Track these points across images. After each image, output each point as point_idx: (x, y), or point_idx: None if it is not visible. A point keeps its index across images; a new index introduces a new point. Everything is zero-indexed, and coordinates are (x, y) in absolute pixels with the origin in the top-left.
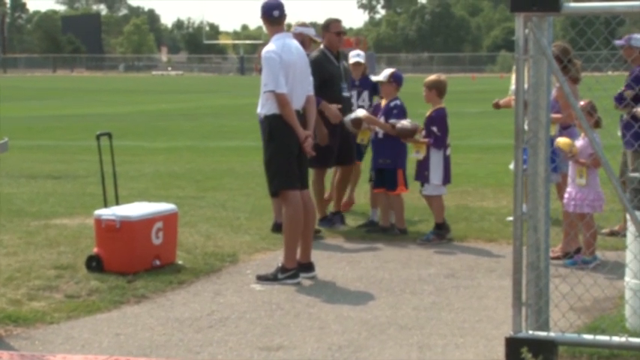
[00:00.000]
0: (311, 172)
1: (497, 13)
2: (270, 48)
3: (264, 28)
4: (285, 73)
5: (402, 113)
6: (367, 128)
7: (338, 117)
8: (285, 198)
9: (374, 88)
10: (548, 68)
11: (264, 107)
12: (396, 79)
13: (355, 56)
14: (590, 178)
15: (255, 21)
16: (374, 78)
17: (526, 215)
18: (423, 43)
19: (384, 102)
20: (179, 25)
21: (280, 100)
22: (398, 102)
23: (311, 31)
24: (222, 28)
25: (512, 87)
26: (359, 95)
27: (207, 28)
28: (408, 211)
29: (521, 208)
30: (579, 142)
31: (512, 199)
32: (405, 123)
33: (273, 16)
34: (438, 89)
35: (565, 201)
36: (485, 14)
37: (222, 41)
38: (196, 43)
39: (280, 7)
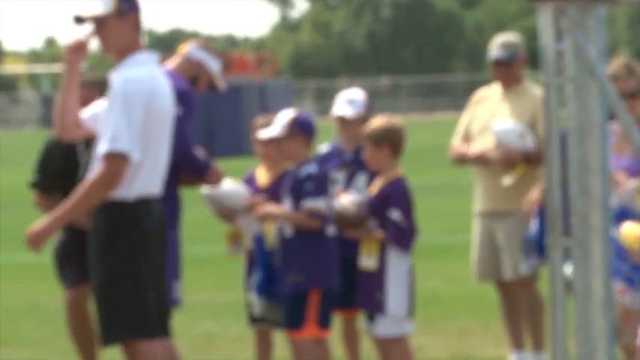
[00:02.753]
0: (65, 295)
1: (512, 2)
2: (135, 75)
3: (103, 40)
4: (150, 129)
5: (320, 189)
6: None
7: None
8: (135, 354)
9: None
10: (602, 98)
11: None
12: (301, 128)
13: (344, 104)
14: None
15: (67, 32)
16: (262, 135)
17: None
18: (380, 60)
19: (263, 171)
20: None
21: (116, 169)
22: (312, 168)
23: (214, 66)
24: (7, 46)
25: (498, 126)
26: (350, 179)
27: None
28: None
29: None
30: None
31: (550, 342)
32: (345, 203)
33: (133, 6)
34: (391, 143)
35: None
36: (491, 5)
37: (10, 68)
38: None
39: None
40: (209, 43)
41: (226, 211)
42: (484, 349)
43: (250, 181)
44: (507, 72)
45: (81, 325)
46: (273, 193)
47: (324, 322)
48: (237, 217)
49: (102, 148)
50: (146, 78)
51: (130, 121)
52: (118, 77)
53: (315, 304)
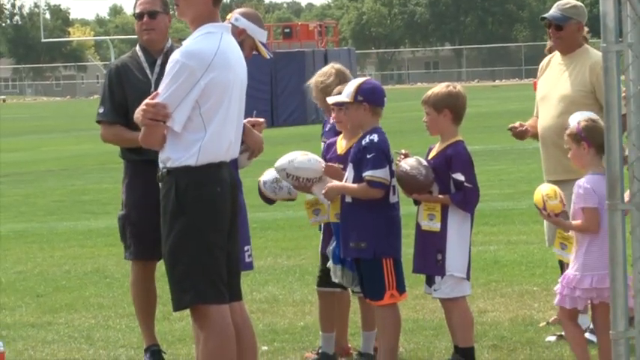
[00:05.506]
0: (131, 267)
1: None
2: (189, 47)
3: (178, 11)
4: (216, 100)
5: (381, 158)
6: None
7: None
8: (204, 318)
9: None
10: None
11: (170, 152)
12: (367, 96)
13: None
14: (589, 248)
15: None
16: (330, 100)
17: (635, 330)
18: (441, 29)
19: (342, 140)
20: None
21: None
22: (375, 136)
23: (260, 34)
24: (75, 15)
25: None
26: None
27: (48, 16)
28: (415, 332)
29: (625, 321)
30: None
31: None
32: (410, 166)
33: None
34: (452, 109)
35: (558, 289)
36: None
37: (77, 37)
38: (28, 42)
39: None
40: (257, 15)
41: (302, 183)
42: (545, 312)
43: (330, 147)
44: (559, 34)
45: (145, 295)
46: (353, 158)
47: (400, 287)
48: (313, 186)
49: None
50: (206, 50)
51: (171, 90)
52: (178, 49)
53: (390, 272)
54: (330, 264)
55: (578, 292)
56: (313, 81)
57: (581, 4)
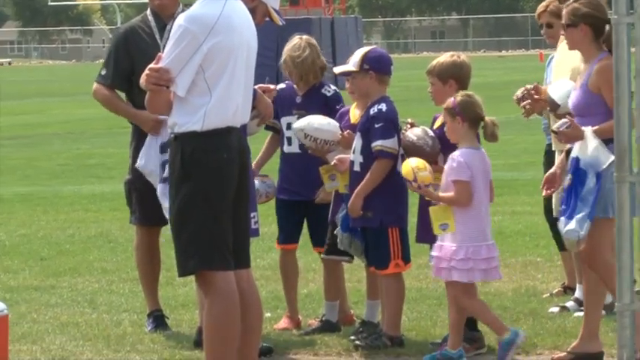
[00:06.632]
0: (136, 231)
1: None
2: (196, 13)
3: None
4: (220, 65)
5: (390, 127)
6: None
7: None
8: (209, 284)
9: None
10: None
11: (177, 117)
12: (373, 64)
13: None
14: (464, 220)
15: None
16: (337, 70)
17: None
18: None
19: (355, 109)
20: None
21: (159, 100)
22: (383, 106)
23: (273, 0)
24: None
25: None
26: None
27: None
28: (418, 301)
29: (631, 295)
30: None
31: (616, 280)
32: (416, 136)
33: None
34: (457, 79)
35: (433, 262)
36: None
37: (83, 1)
38: (35, 5)
39: None
40: None
41: (320, 146)
42: (548, 283)
43: (343, 115)
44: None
45: (149, 260)
46: (362, 127)
47: (405, 257)
48: (329, 151)
49: None
50: (209, 15)
51: (173, 55)
52: (183, 14)
53: (396, 242)
54: (337, 231)
55: (453, 262)
56: (287, 56)
57: None
